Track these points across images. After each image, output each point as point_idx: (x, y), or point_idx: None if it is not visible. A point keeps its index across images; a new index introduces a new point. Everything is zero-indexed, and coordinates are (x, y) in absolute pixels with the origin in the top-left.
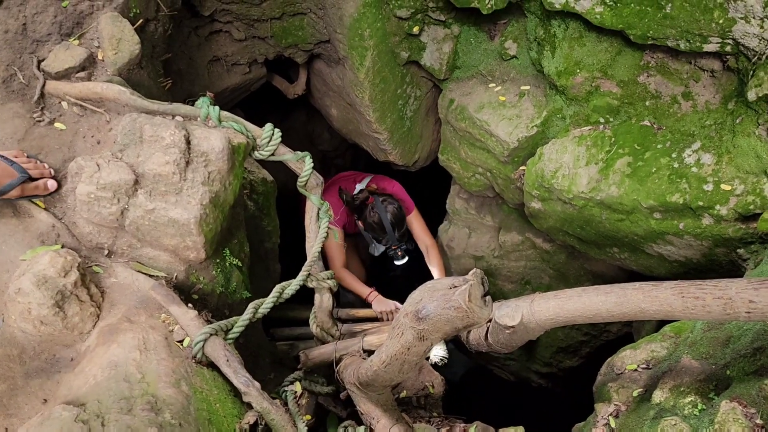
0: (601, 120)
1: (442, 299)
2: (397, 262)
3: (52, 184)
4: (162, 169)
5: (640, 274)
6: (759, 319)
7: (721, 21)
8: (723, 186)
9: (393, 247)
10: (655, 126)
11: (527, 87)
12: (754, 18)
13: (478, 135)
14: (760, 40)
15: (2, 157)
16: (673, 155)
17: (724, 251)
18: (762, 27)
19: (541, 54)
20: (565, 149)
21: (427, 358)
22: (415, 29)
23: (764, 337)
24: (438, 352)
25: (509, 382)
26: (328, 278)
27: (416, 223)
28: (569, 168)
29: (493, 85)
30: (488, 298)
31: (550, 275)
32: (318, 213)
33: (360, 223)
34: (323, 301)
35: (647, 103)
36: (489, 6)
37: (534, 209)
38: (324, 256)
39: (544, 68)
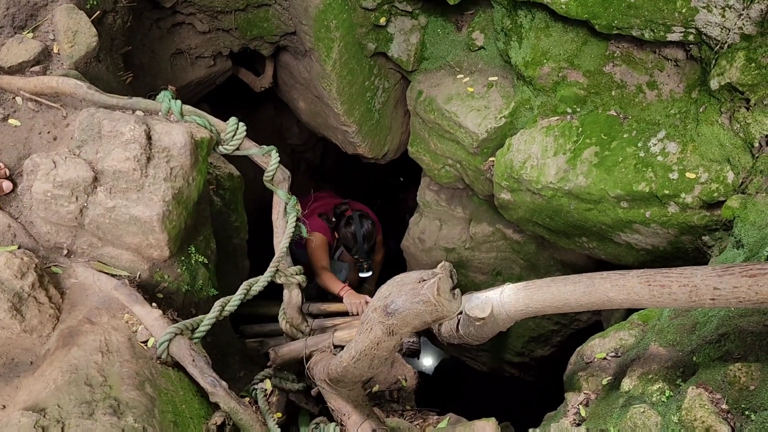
0: (569, 110)
1: (410, 293)
2: (362, 274)
3: (7, 185)
4: (122, 165)
5: (608, 262)
6: (723, 306)
7: (684, 10)
8: (688, 174)
9: (360, 260)
10: (621, 115)
11: (495, 78)
12: (716, 7)
13: (447, 126)
14: (722, 29)
15: None
16: (639, 144)
17: (689, 239)
18: (723, 16)
19: (508, 45)
20: (533, 140)
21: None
22: (382, 20)
23: (729, 323)
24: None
25: (482, 372)
26: (296, 273)
27: (378, 243)
28: (537, 158)
29: (461, 76)
30: (457, 291)
31: (520, 266)
32: (285, 208)
33: (336, 234)
34: (292, 297)
35: (613, 93)
36: None
37: (503, 200)
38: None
39: (511, 59)
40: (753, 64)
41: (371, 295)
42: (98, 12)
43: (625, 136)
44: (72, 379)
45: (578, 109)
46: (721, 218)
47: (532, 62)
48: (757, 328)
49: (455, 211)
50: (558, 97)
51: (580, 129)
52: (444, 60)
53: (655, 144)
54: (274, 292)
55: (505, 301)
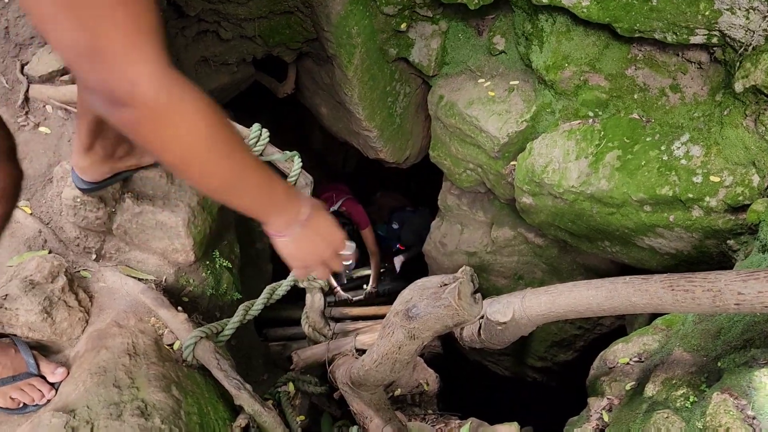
0: (590, 114)
1: (432, 297)
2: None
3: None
4: (149, 172)
5: (631, 267)
6: (748, 311)
7: (707, 13)
8: (712, 177)
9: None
10: (643, 119)
11: (516, 82)
12: (739, 9)
13: (468, 131)
14: (746, 31)
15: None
16: (662, 148)
17: (714, 243)
18: (747, 18)
19: (529, 49)
20: (554, 143)
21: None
22: (403, 26)
23: (754, 328)
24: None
25: (504, 377)
26: (318, 278)
27: (369, 236)
28: (559, 162)
29: (483, 80)
30: (478, 295)
31: (542, 270)
32: None
33: None
34: (314, 301)
35: (635, 96)
36: (476, 1)
37: (525, 204)
38: None
39: (532, 63)
40: None
41: None
42: None
43: (648, 139)
44: (100, 381)
45: (600, 113)
46: (746, 222)
47: (553, 66)
48: None
49: (476, 215)
50: (579, 101)
51: (602, 132)
52: (465, 65)
53: (679, 147)
54: (296, 295)
55: (526, 305)
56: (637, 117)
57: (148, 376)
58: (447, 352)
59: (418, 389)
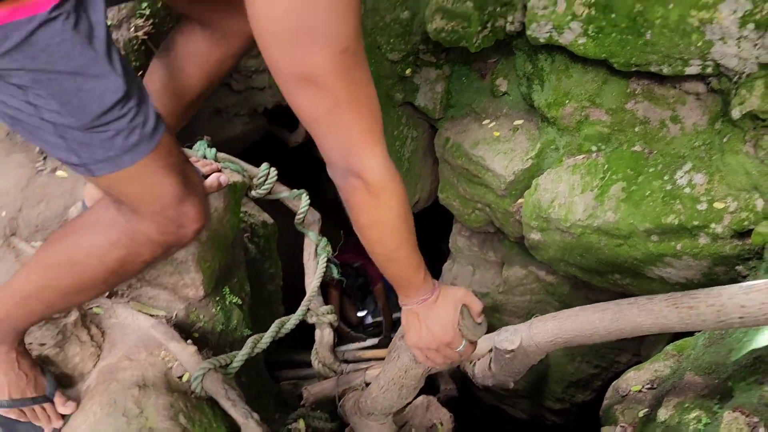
0: (594, 148)
1: None
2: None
3: (224, 179)
4: None
5: None
6: (752, 324)
7: (699, 44)
8: (716, 204)
9: None
10: (646, 150)
11: (520, 121)
12: (731, 38)
13: (475, 171)
14: (739, 59)
15: None
16: (666, 177)
17: (723, 269)
18: (739, 47)
19: (531, 88)
20: (560, 179)
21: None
22: (408, 71)
23: (764, 347)
24: None
25: (522, 420)
26: (327, 313)
27: (381, 292)
28: (565, 197)
29: (487, 121)
30: (482, 317)
31: (555, 307)
32: (316, 249)
33: None
34: (324, 336)
35: (637, 129)
36: (477, 44)
37: (534, 240)
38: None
39: (534, 102)
40: None
41: None
42: (140, 72)
43: (650, 170)
44: (110, 412)
45: (603, 147)
46: (753, 246)
47: (555, 103)
48: None
49: (487, 255)
50: (582, 136)
51: (606, 166)
52: (469, 107)
53: (682, 176)
54: (309, 339)
55: (534, 332)
56: (639, 149)
57: (157, 405)
58: (462, 396)
59: (432, 430)
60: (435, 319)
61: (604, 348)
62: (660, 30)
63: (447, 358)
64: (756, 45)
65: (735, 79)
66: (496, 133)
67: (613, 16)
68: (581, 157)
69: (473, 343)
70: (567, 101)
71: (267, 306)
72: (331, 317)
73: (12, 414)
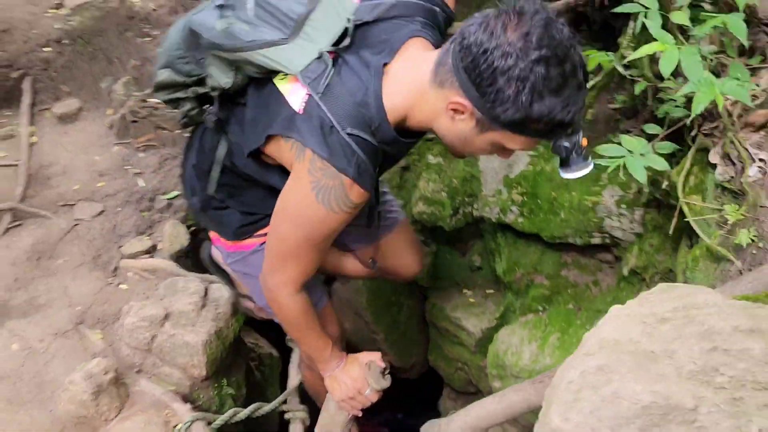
0: (540, 308)
1: None
2: None
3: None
4: (185, 307)
5: None
6: None
7: (594, 220)
8: None
9: None
10: (575, 308)
11: (491, 291)
12: (615, 216)
13: (453, 330)
14: (623, 231)
15: None
16: (588, 327)
17: None
18: (620, 222)
19: (494, 261)
20: (513, 333)
21: None
22: None
23: None
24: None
25: None
26: (301, 410)
27: None
28: (516, 347)
29: (466, 290)
30: (387, 373)
31: None
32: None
33: None
34: (295, 430)
35: (570, 291)
36: (451, 224)
37: (496, 389)
38: None
39: (497, 271)
40: (643, 253)
41: None
42: (193, 227)
43: (578, 322)
44: None
45: (546, 306)
46: None
47: (508, 270)
48: None
49: None
50: (530, 298)
51: (547, 321)
52: (452, 279)
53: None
54: None
55: (451, 420)
56: (572, 307)
57: None
58: None
59: None
60: (346, 375)
61: None
62: (569, 210)
63: (360, 403)
64: (631, 220)
65: (623, 246)
66: (472, 300)
67: (538, 201)
68: (531, 315)
69: (379, 391)
70: (517, 269)
71: (263, 427)
72: (302, 414)
73: None
